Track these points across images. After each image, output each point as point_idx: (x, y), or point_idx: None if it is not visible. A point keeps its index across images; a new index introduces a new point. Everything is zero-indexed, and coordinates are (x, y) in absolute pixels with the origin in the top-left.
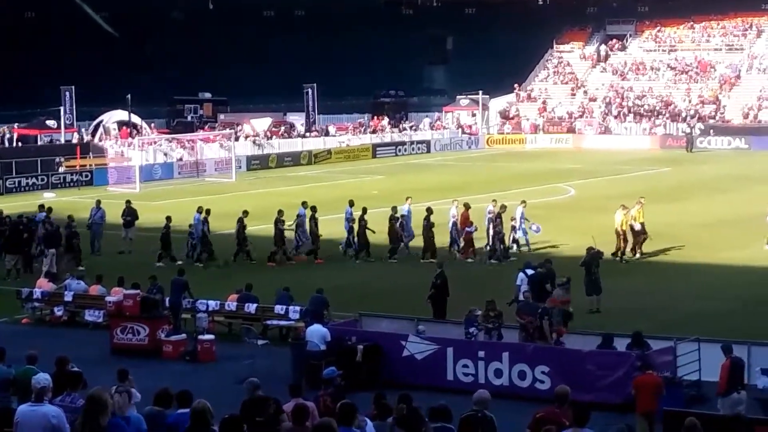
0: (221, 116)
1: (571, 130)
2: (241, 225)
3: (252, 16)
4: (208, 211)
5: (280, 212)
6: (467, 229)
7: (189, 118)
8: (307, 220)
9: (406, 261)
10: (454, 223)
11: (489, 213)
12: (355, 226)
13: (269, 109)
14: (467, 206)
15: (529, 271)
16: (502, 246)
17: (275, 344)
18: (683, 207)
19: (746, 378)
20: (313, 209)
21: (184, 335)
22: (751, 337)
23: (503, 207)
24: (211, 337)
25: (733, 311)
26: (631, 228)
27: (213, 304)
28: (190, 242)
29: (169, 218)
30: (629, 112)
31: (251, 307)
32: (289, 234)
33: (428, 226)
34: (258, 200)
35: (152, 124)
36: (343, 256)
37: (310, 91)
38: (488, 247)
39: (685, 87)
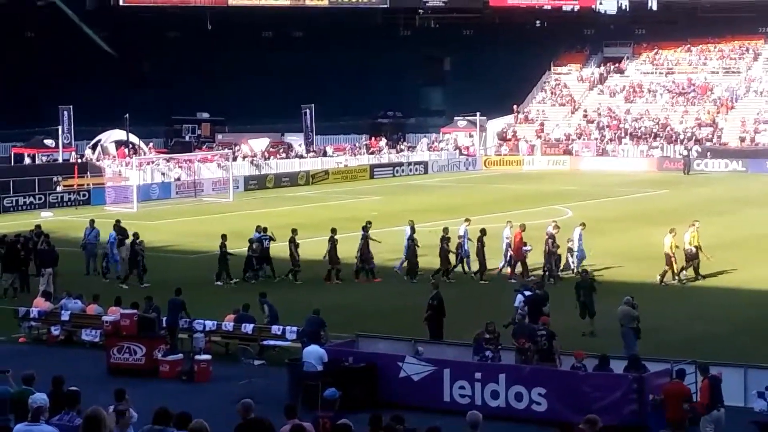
0: (219, 136)
1: (567, 152)
2: (293, 243)
3: (250, 36)
4: (265, 230)
5: (294, 231)
6: (524, 248)
7: (187, 138)
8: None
9: (401, 282)
10: (508, 244)
11: (547, 235)
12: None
13: (267, 130)
14: (523, 227)
15: (527, 293)
16: (557, 267)
17: (272, 365)
18: (679, 230)
19: (743, 401)
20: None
21: (180, 355)
22: (747, 360)
23: (557, 227)
24: (207, 357)
25: (729, 334)
26: (685, 252)
27: (210, 324)
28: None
29: (224, 236)
30: (626, 134)
31: (248, 328)
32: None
33: (482, 247)
34: (255, 221)
35: (150, 144)
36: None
37: (308, 111)
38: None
39: (683, 109)
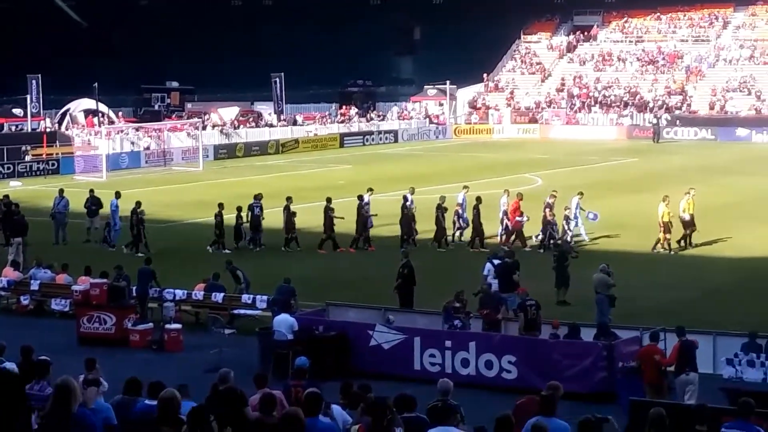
0: (188, 105)
1: (533, 120)
2: (289, 212)
3: (219, 5)
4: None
5: (329, 199)
6: (518, 218)
7: (156, 107)
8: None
9: (386, 250)
10: (505, 212)
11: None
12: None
13: (237, 99)
14: (520, 196)
15: (496, 261)
16: (556, 236)
17: (242, 333)
18: (650, 198)
19: (712, 368)
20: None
21: (151, 324)
22: (716, 327)
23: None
24: (178, 326)
25: (698, 301)
26: (681, 219)
27: (180, 293)
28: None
29: (221, 205)
30: (596, 102)
31: (218, 297)
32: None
33: (478, 214)
34: (225, 189)
35: (119, 113)
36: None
37: (277, 80)
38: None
39: (652, 78)
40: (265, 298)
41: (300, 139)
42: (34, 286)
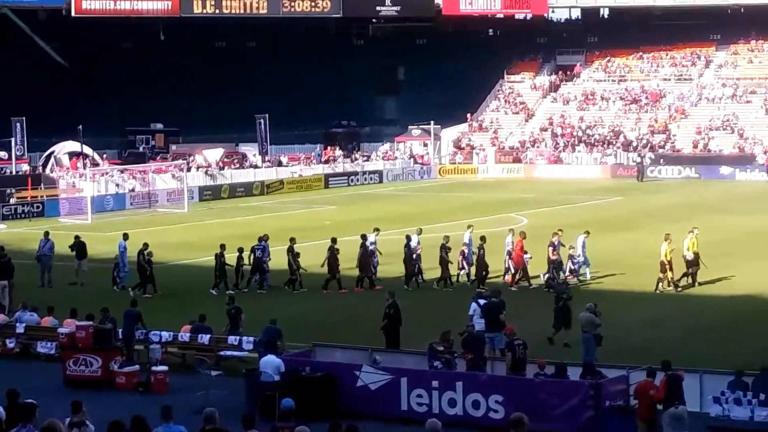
0: (173, 147)
1: (517, 159)
2: (293, 253)
3: (203, 46)
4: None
5: (334, 240)
6: (524, 256)
7: (141, 149)
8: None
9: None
10: (509, 252)
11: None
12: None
13: (221, 140)
14: (523, 235)
15: (482, 302)
16: (557, 274)
17: (229, 375)
18: (634, 236)
19: (699, 406)
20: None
21: (137, 366)
22: (702, 366)
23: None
24: (164, 368)
25: (684, 339)
26: (684, 258)
27: (166, 335)
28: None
29: (223, 246)
30: (580, 141)
31: (204, 338)
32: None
33: (483, 254)
34: (211, 231)
35: (104, 155)
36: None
37: (262, 121)
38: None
39: (635, 116)
40: (251, 339)
41: (285, 180)
42: (20, 329)
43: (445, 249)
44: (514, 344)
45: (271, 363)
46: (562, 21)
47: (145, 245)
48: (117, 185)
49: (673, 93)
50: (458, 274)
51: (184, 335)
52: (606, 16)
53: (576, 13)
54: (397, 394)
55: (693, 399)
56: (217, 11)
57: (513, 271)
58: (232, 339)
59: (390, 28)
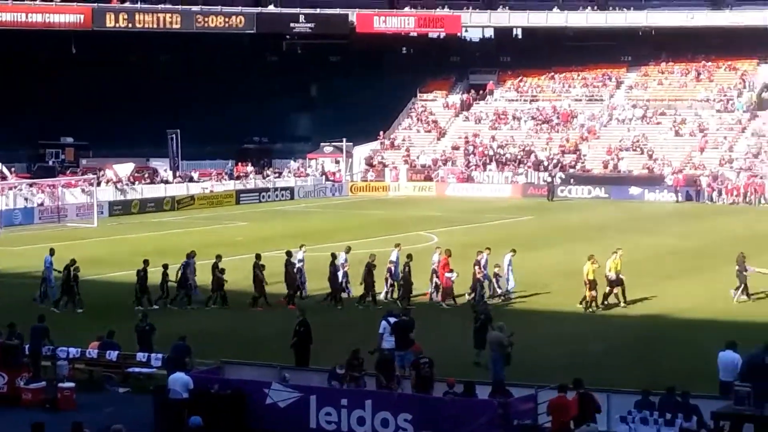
0: (83, 161)
1: (428, 178)
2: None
3: (115, 60)
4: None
5: (258, 256)
6: (447, 275)
7: (51, 163)
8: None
9: (274, 308)
10: (434, 270)
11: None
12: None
13: (132, 155)
14: (449, 252)
15: (392, 319)
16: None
17: (137, 392)
18: (545, 255)
19: (606, 425)
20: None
21: (44, 383)
22: (611, 385)
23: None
24: (71, 384)
25: (594, 359)
26: (606, 278)
27: (74, 351)
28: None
29: (146, 261)
30: (491, 160)
31: (112, 355)
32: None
33: (409, 272)
34: (120, 246)
35: (12, 169)
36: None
37: (174, 136)
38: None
39: (546, 136)
40: (159, 356)
41: (196, 196)
42: None
43: (370, 266)
44: (420, 362)
45: (179, 380)
46: (476, 40)
47: (73, 261)
48: (26, 199)
49: (584, 113)
50: (386, 293)
51: (92, 351)
52: (519, 37)
53: (489, 33)
54: (306, 412)
55: (600, 418)
56: (130, 25)
57: (440, 288)
58: (141, 356)
59: (303, 44)
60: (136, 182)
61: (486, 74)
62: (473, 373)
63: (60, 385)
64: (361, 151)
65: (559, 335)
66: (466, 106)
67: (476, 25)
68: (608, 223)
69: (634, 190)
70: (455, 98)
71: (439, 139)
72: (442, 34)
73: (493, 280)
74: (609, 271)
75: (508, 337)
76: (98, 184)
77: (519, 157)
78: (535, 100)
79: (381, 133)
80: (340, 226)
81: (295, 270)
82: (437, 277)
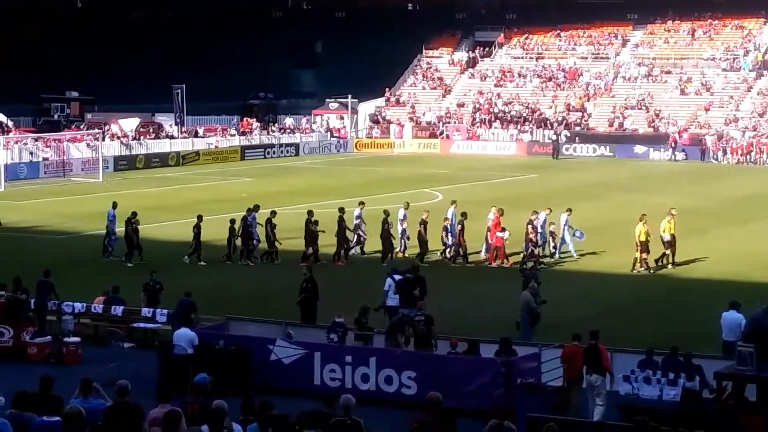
0: (88, 116)
1: (433, 135)
2: (270, 224)
3: (121, 15)
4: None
5: (310, 212)
6: (499, 234)
7: (56, 117)
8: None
9: (282, 264)
10: (488, 228)
11: (534, 221)
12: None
13: (137, 110)
14: (501, 211)
15: (397, 277)
16: (531, 252)
17: (142, 348)
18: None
19: (608, 385)
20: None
21: (49, 337)
22: (614, 344)
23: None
24: (76, 339)
25: (598, 318)
26: (661, 239)
27: (79, 306)
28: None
29: (200, 217)
30: (496, 118)
31: (118, 310)
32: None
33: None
34: (126, 201)
35: (18, 123)
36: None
37: (179, 91)
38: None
39: (552, 94)
40: (165, 312)
41: (201, 152)
42: None
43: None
44: (415, 319)
45: (184, 336)
46: None
47: (133, 214)
48: (31, 153)
49: (590, 71)
50: (444, 251)
51: (98, 307)
52: None
53: None
54: (311, 369)
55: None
56: None
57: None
58: (146, 311)
59: (309, 0)
60: (142, 137)
61: (492, 32)
62: (481, 332)
63: (65, 339)
64: (366, 107)
65: (558, 294)
66: (471, 63)
67: None
68: (613, 182)
69: (639, 149)
70: (461, 55)
71: (444, 96)
72: None
73: (549, 239)
74: (663, 232)
75: (537, 298)
76: (103, 138)
77: (524, 115)
78: (540, 57)
79: (386, 89)
80: (345, 183)
81: (353, 227)
82: (489, 235)
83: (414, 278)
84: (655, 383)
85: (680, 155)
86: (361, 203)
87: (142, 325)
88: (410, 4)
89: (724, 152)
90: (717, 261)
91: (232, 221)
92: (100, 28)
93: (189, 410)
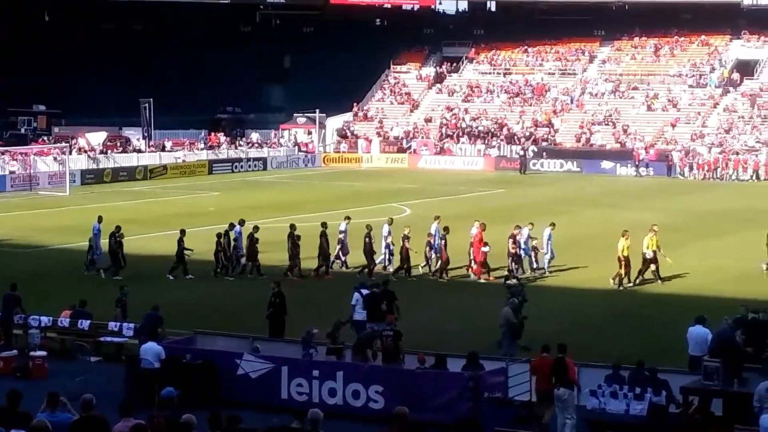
0: (56, 129)
1: (401, 150)
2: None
3: (89, 28)
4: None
5: (293, 226)
6: (483, 249)
7: (23, 131)
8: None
9: (253, 279)
10: (471, 243)
11: (517, 236)
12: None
13: (105, 123)
14: (483, 226)
15: (364, 291)
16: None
17: (109, 361)
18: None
19: (576, 400)
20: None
21: (15, 351)
22: (581, 359)
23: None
24: (43, 353)
25: (565, 333)
26: (643, 255)
27: (45, 320)
28: (234, 256)
29: (183, 231)
30: (464, 133)
31: (84, 324)
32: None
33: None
34: (92, 215)
35: None
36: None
37: (147, 105)
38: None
39: (519, 110)
40: (131, 325)
41: (168, 165)
42: None
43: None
44: (383, 334)
45: (151, 350)
46: (450, 13)
47: (117, 228)
48: None
49: (557, 87)
50: (428, 265)
51: (64, 320)
52: (493, 10)
53: (463, 6)
54: (278, 383)
55: None
56: None
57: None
58: (113, 325)
59: (277, 15)
60: (109, 151)
61: (459, 47)
62: (450, 347)
63: (31, 353)
64: (334, 122)
65: (524, 308)
66: (439, 79)
67: None
68: (579, 197)
69: (606, 164)
70: (428, 70)
71: (412, 111)
72: (416, 6)
73: (531, 254)
74: (646, 249)
75: (518, 315)
76: (70, 152)
77: (492, 130)
78: (508, 73)
79: (354, 104)
80: (313, 197)
81: (337, 241)
82: (472, 250)
83: (381, 292)
84: (622, 398)
85: (645, 171)
86: (347, 218)
87: (108, 339)
88: (378, 20)
89: (691, 168)
90: (685, 275)
91: (219, 235)
92: (67, 41)
93: (155, 424)
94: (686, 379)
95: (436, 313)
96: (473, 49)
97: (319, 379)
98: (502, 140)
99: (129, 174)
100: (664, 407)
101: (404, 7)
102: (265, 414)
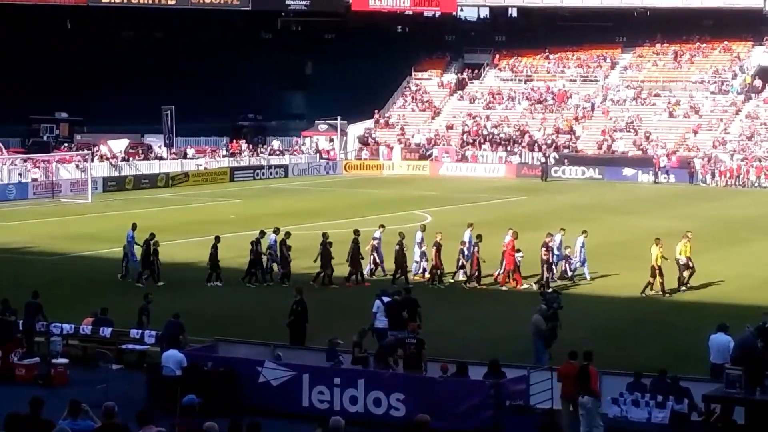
0: (78, 137)
1: (422, 157)
2: (285, 246)
3: (110, 36)
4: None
5: (325, 234)
6: (516, 255)
7: (45, 138)
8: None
9: (274, 286)
10: (503, 251)
11: (549, 243)
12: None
13: (127, 130)
14: (515, 234)
15: (386, 299)
16: (549, 274)
17: (131, 369)
18: (538, 236)
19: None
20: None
21: (37, 359)
22: (601, 367)
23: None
24: (64, 360)
25: (586, 340)
26: (677, 262)
27: (67, 327)
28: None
29: (218, 238)
30: (485, 140)
31: (106, 331)
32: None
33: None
34: (114, 222)
35: (7, 144)
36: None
37: (168, 112)
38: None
39: (541, 116)
40: (153, 333)
41: (190, 173)
42: None
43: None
44: (406, 342)
45: (173, 357)
46: (471, 19)
47: (152, 235)
48: (20, 174)
49: (579, 94)
50: (455, 273)
51: (86, 328)
52: (514, 16)
53: (484, 12)
54: (299, 391)
55: None
56: (125, 1)
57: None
58: (135, 332)
59: (299, 22)
60: (131, 158)
61: (481, 54)
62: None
63: (53, 361)
64: (356, 129)
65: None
66: (460, 86)
67: (472, 4)
68: (601, 204)
69: (628, 171)
70: (450, 77)
71: (433, 118)
72: (438, 13)
73: (563, 261)
74: (679, 255)
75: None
76: (92, 159)
77: (513, 137)
78: (529, 80)
79: (375, 111)
80: (334, 205)
81: (371, 249)
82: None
83: (402, 300)
84: (644, 406)
85: (665, 178)
86: (382, 226)
87: (130, 346)
88: (400, 27)
89: (713, 175)
90: (707, 283)
91: (253, 243)
92: (89, 48)
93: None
94: (708, 387)
95: (458, 319)
96: (495, 56)
97: (341, 386)
98: (523, 147)
99: (151, 181)
100: (686, 415)
101: (425, 14)
102: (286, 421)
